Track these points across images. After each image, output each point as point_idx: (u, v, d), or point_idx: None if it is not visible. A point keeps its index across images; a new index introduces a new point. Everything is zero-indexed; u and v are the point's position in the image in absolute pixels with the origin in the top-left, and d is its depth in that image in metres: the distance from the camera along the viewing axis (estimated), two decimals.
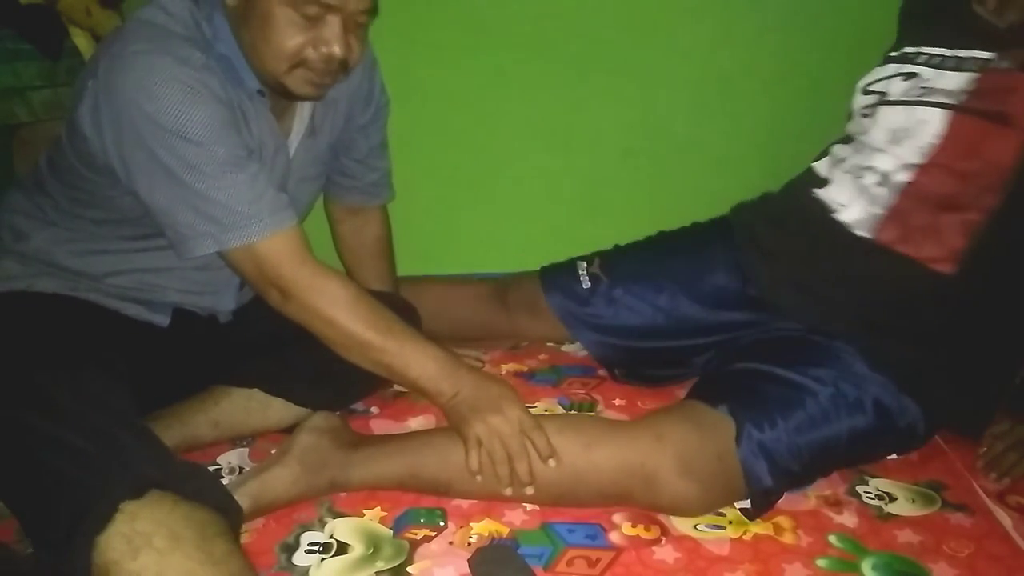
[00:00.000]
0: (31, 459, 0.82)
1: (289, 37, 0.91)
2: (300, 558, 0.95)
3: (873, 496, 1.07)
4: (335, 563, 0.94)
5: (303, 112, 1.09)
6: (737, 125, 1.73)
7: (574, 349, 1.48)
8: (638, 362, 1.32)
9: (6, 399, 0.87)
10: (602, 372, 1.39)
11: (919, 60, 1.09)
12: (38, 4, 1.37)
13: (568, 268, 1.38)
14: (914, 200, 1.05)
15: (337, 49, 0.92)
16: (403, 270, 1.48)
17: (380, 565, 0.94)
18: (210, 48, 0.95)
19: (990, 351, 1.07)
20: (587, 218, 1.83)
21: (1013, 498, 1.07)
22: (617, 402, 1.30)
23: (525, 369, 1.41)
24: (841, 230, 1.10)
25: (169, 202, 0.93)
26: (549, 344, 1.49)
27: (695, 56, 1.69)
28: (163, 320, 1.10)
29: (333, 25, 0.91)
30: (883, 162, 1.08)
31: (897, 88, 1.10)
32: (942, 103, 1.03)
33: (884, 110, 1.10)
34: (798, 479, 1.03)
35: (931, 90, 1.05)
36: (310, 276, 0.98)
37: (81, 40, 1.45)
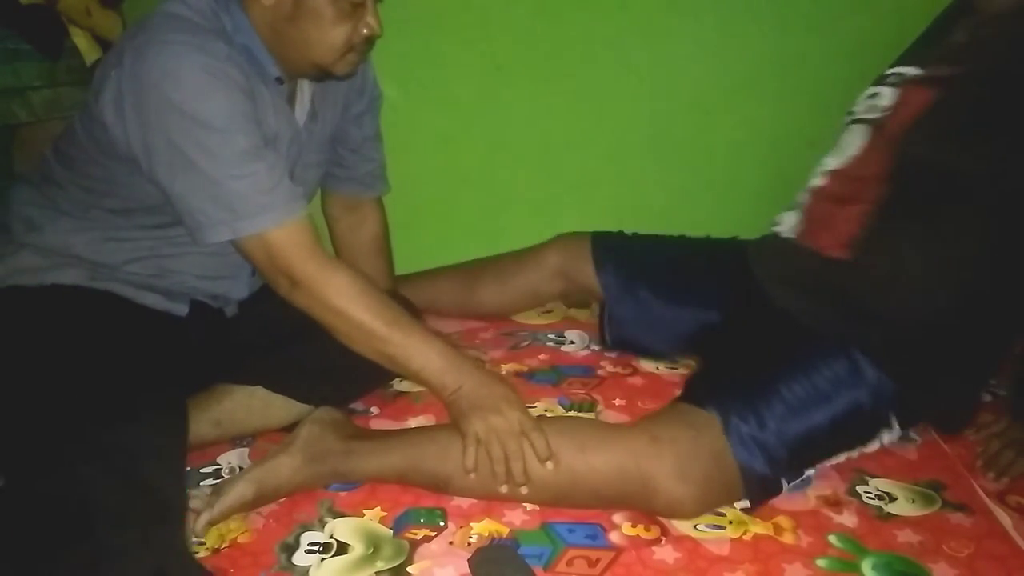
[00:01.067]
0: (68, 472, 0.82)
1: (340, 28, 0.98)
2: (300, 558, 0.95)
3: (873, 496, 1.07)
4: (335, 563, 0.94)
5: (304, 98, 1.12)
6: (739, 122, 1.73)
7: (574, 349, 1.48)
8: (638, 318, 1.38)
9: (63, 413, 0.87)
10: (602, 372, 1.39)
11: (887, 80, 1.15)
12: (38, 4, 1.37)
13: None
14: (819, 198, 1.17)
15: (378, 29, 1.00)
16: (403, 268, 1.49)
17: (380, 565, 0.94)
18: (230, 39, 0.98)
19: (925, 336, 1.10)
20: (588, 216, 1.82)
21: (1013, 498, 1.07)
22: (617, 402, 1.30)
23: (525, 369, 1.41)
24: (779, 239, 1.21)
25: (188, 189, 0.95)
26: (549, 344, 1.49)
27: (697, 54, 1.69)
28: (182, 309, 1.11)
29: (372, 7, 0.99)
30: (816, 177, 1.19)
31: (860, 107, 1.17)
32: (868, 119, 1.14)
33: (847, 129, 1.18)
34: (789, 466, 1.03)
35: (875, 107, 1.14)
36: (319, 265, 1.00)
37: (81, 40, 1.45)
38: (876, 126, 1.12)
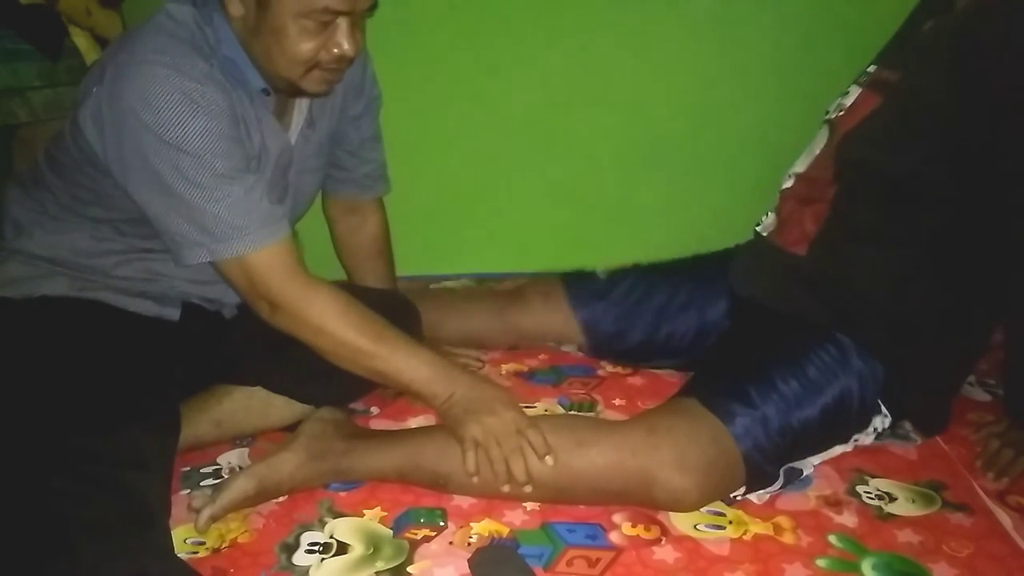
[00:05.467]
0: (47, 488, 0.81)
1: (303, 44, 0.93)
2: (300, 558, 0.95)
3: (873, 496, 1.07)
4: (335, 563, 0.94)
5: (301, 104, 1.11)
6: (739, 123, 1.73)
7: (574, 349, 1.48)
8: (622, 341, 1.38)
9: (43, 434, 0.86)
10: (602, 372, 1.40)
11: (860, 78, 1.17)
12: (38, 4, 1.37)
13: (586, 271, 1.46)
14: (787, 198, 1.21)
15: (348, 48, 0.95)
16: (404, 271, 1.48)
17: (380, 565, 0.94)
18: (214, 52, 0.96)
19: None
20: (588, 218, 1.83)
21: (1013, 498, 1.07)
22: (617, 402, 1.30)
23: (525, 369, 1.41)
24: (759, 238, 1.25)
25: (164, 211, 0.95)
26: (549, 344, 1.49)
27: (695, 54, 1.69)
28: (173, 314, 1.10)
29: (343, 27, 0.94)
30: (786, 179, 1.23)
31: (832, 107, 1.19)
32: (830, 119, 1.17)
33: (820, 129, 1.20)
34: (785, 455, 1.04)
35: (840, 106, 1.16)
36: (299, 288, 0.99)
37: (81, 40, 1.45)
38: (832, 127, 1.16)
